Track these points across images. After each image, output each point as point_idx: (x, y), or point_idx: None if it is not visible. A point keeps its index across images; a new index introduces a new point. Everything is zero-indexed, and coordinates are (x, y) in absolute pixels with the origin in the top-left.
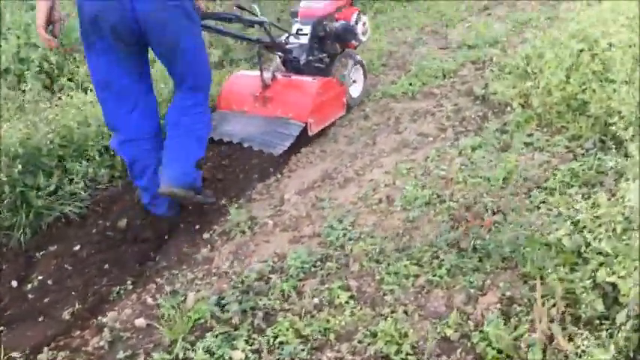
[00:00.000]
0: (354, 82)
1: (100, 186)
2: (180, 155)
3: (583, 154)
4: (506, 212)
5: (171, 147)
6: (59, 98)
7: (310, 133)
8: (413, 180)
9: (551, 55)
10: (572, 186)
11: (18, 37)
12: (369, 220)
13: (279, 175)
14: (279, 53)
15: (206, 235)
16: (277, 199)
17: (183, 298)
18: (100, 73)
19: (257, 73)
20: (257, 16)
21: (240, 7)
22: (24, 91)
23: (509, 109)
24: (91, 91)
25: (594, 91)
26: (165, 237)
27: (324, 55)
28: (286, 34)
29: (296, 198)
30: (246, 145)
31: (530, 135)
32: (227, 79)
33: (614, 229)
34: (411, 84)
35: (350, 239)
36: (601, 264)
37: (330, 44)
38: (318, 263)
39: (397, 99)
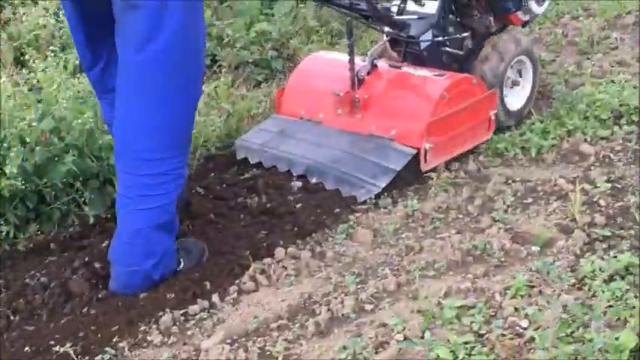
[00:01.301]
0: (515, 84)
1: None
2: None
3: None
4: None
5: (120, 231)
6: None
7: (424, 168)
8: (460, 333)
9: None
10: None
11: None
12: None
13: (215, 299)
14: (387, 29)
15: None
16: (190, 346)
17: None
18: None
19: (346, 58)
20: None
21: None
22: None
23: None
24: None
25: None
26: None
27: (466, 34)
28: None
29: (221, 350)
30: (314, 179)
31: None
32: (299, 64)
33: None
34: (544, 130)
35: None
36: None
37: (479, 15)
38: None
39: (506, 159)
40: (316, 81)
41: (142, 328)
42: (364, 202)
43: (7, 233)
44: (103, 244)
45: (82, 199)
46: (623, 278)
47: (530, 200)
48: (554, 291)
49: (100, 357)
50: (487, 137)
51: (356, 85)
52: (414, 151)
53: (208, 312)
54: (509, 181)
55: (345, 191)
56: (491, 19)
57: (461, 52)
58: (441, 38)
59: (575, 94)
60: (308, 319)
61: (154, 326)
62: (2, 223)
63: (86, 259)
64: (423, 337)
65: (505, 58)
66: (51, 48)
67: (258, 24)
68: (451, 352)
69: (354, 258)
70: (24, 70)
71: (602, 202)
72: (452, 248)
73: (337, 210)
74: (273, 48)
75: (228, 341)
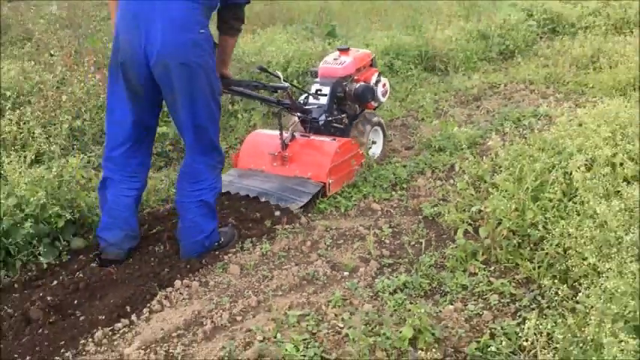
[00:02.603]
0: (374, 142)
1: None
2: (191, 233)
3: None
4: None
5: (184, 225)
6: None
7: (328, 194)
8: (300, 333)
9: (506, 174)
10: (498, 354)
11: None
12: None
13: (134, 318)
14: (298, 114)
15: None
16: (117, 353)
17: None
18: (110, 99)
19: (275, 132)
20: (281, 81)
21: (262, 70)
22: None
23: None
24: None
25: (547, 223)
26: None
27: (344, 115)
28: (305, 95)
29: (139, 354)
30: (263, 199)
31: (473, 275)
32: (246, 137)
33: None
34: (349, 196)
35: None
36: None
37: (350, 105)
38: None
39: (325, 215)
40: (259, 146)
41: (82, 341)
42: (233, 246)
43: None
44: (54, 283)
45: (38, 252)
46: (402, 291)
47: (341, 241)
48: (359, 302)
49: (67, 354)
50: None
51: (284, 147)
52: (322, 184)
53: (129, 327)
54: (328, 229)
55: (282, 204)
56: (357, 106)
57: (341, 126)
58: (330, 118)
59: (368, 172)
60: (198, 328)
61: (90, 340)
62: None
63: (41, 294)
64: (275, 337)
65: (367, 128)
66: (14, 147)
67: (159, 128)
68: (295, 346)
69: (228, 285)
70: None
71: (386, 241)
72: (292, 276)
73: (216, 253)
74: (170, 144)
75: (143, 347)
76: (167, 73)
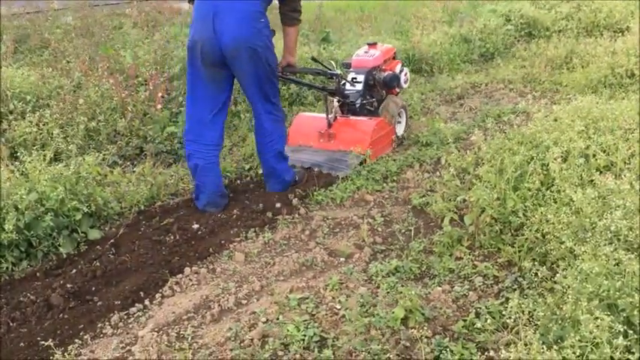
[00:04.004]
0: (399, 122)
1: None
2: (272, 177)
3: (500, 293)
4: None
5: (266, 171)
6: None
7: (368, 162)
8: (300, 315)
9: (488, 167)
10: (483, 331)
11: None
12: None
13: (147, 302)
14: (338, 98)
15: None
16: (132, 335)
17: None
18: (190, 82)
19: (318, 114)
20: (334, 69)
21: (314, 60)
22: None
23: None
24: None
25: (526, 210)
26: None
27: (374, 99)
28: (343, 82)
29: (152, 336)
30: (316, 169)
31: (459, 259)
32: (293, 119)
33: None
34: (344, 188)
35: None
36: None
37: (378, 90)
38: None
39: (323, 206)
40: (307, 126)
41: (99, 325)
42: (237, 235)
43: (7, 268)
44: (73, 272)
45: (58, 243)
46: (394, 275)
47: (337, 230)
48: (355, 285)
49: (71, 346)
50: (391, 150)
51: (329, 126)
52: (364, 156)
53: (142, 311)
54: (325, 219)
55: (332, 173)
56: (384, 92)
57: (372, 109)
58: (364, 102)
59: (362, 165)
60: (206, 312)
61: (107, 323)
62: (2, 261)
63: (61, 282)
64: (278, 319)
65: (395, 109)
66: (34, 147)
67: (168, 128)
68: (296, 327)
69: (234, 271)
70: (17, 162)
71: (379, 229)
72: (293, 262)
73: (222, 242)
74: (179, 142)
75: (156, 329)
76: (238, 55)
